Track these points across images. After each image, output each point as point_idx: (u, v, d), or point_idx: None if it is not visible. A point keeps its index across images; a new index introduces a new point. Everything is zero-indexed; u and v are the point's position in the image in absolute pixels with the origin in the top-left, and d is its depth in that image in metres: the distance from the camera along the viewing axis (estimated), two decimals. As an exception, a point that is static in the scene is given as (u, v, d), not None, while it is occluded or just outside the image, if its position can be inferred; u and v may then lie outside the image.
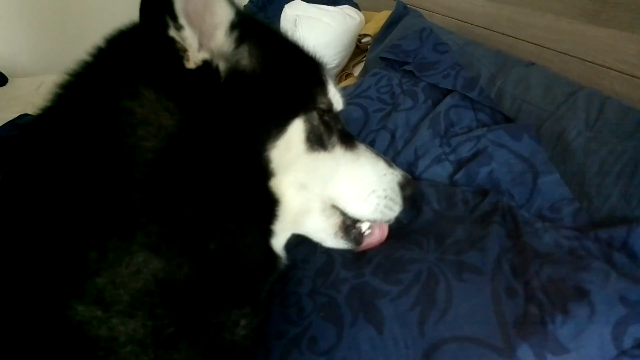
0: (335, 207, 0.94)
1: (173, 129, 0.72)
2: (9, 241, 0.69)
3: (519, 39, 1.78)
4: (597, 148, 1.08)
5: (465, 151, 1.20)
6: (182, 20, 0.71)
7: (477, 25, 2.05)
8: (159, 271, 0.70)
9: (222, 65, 0.78)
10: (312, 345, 0.81)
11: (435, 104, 1.42)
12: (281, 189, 0.84)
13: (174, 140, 0.72)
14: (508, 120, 1.30)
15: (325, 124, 0.90)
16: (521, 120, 1.30)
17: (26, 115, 2.24)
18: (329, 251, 0.97)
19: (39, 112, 0.77)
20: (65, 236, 0.68)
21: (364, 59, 2.43)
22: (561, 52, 1.56)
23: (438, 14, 2.39)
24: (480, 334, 0.74)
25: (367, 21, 2.70)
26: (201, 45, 0.75)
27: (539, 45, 1.67)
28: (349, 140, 0.97)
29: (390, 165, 1.01)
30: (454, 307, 0.78)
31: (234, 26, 0.79)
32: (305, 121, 0.86)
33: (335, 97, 0.96)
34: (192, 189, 0.74)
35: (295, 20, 2.56)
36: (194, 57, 0.74)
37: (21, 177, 0.73)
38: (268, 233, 0.86)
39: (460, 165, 1.19)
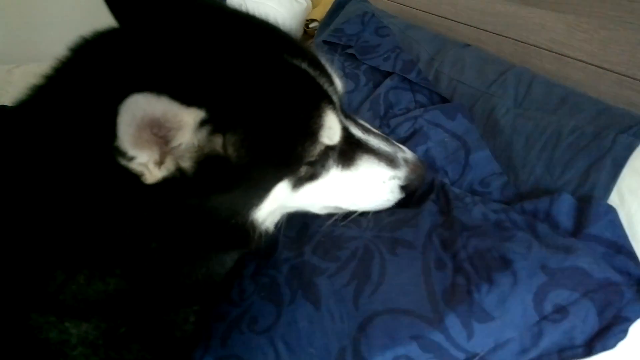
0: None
1: (159, 205, 0.70)
2: None
3: (458, 22, 1.79)
4: (524, 123, 1.10)
5: (403, 131, 1.20)
6: (132, 153, 0.60)
7: (418, 9, 2.06)
8: (124, 288, 0.71)
9: (188, 161, 0.67)
10: (252, 325, 0.81)
11: (376, 86, 1.43)
12: (268, 223, 0.85)
13: (160, 212, 0.70)
14: (444, 100, 1.32)
15: (317, 162, 0.82)
16: (456, 100, 1.31)
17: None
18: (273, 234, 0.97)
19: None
20: (36, 256, 0.68)
21: (312, 44, 2.41)
22: (496, 34, 1.59)
23: (382, -2, 2.39)
24: (411, 305, 0.75)
25: (314, 6, 2.69)
26: (162, 155, 0.65)
27: (476, 28, 1.69)
28: (349, 155, 0.89)
29: (394, 167, 0.92)
30: (386, 280, 0.79)
31: (204, 122, 0.64)
32: (290, 179, 0.80)
33: (332, 135, 0.82)
34: (177, 240, 0.74)
35: (241, 5, 2.48)
36: (154, 175, 0.65)
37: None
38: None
39: (399, 145, 1.20)
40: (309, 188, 0.84)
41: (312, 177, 0.83)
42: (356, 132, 0.91)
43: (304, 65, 0.79)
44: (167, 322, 0.79)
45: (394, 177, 0.93)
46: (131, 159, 0.60)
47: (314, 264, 0.85)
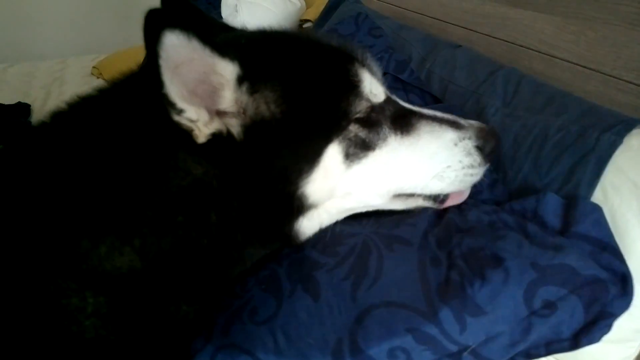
0: (401, 195, 0.87)
1: (200, 175, 0.70)
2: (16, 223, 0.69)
3: (449, 23, 1.80)
4: (512, 123, 1.10)
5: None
6: (181, 105, 0.64)
7: (410, 10, 2.06)
8: (137, 268, 0.70)
9: (236, 126, 0.70)
10: (253, 316, 0.81)
11: (370, 86, 1.43)
12: (322, 210, 0.83)
13: (198, 182, 0.70)
14: (436, 100, 1.32)
15: (369, 125, 0.78)
16: (448, 100, 1.32)
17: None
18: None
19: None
20: (65, 225, 0.68)
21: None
22: (486, 35, 1.59)
23: (375, -1, 2.38)
24: (406, 299, 0.75)
25: (308, 7, 2.67)
26: (210, 116, 0.68)
27: (467, 29, 1.69)
28: (405, 121, 0.83)
29: (461, 129, 0.85)
30: (384, 275, 0.79)
31: (241, 79, 0.68)
32: (340, 142, 0.76)
33: (374, 91, 0.80)
34: (210, 221, 0.73)
35: (236, 5, 2.48)
36: (203, 133, 0.68)
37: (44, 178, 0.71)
38: None
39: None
40: (367, 163, 0.80)
41: (366, 145, 0.79)
42: (406, 105, 0.88)
43: (333, 42, 0.82)
44: (169, 315, 0.78)
45: (463, 138, 0.84)
46: (180, 111, 0.64)
47: (313, 259, 0.86)
